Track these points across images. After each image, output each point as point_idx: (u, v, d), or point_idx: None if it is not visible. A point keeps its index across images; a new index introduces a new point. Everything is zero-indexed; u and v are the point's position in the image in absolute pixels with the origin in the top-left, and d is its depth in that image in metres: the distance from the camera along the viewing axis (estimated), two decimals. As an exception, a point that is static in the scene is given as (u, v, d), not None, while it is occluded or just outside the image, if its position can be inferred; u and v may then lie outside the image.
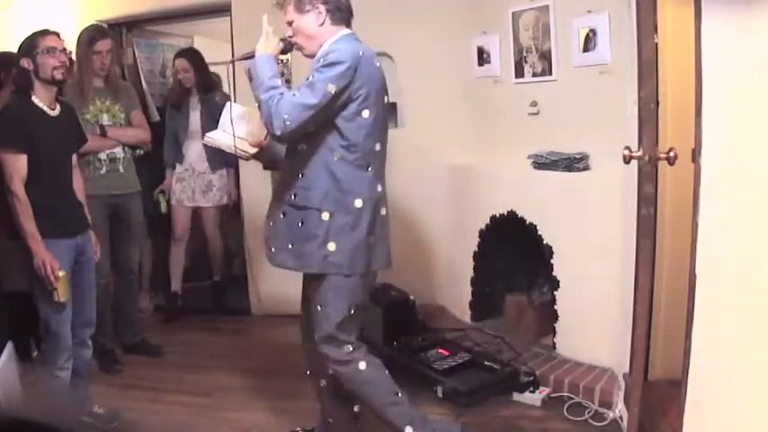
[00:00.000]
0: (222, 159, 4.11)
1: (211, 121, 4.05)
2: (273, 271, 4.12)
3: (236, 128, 2.40)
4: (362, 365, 2.32)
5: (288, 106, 2.12)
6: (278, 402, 2.97)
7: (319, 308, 2.30)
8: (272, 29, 2.29)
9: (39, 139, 2.55)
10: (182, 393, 3.17)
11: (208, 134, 2.51)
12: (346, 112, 2.20)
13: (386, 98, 2.32)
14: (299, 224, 2.28)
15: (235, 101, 2.48)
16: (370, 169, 2.29)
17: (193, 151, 4.18)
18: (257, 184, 4.08)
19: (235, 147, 2.40)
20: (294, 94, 2.14)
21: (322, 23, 2.25)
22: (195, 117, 4.16)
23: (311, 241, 2.25)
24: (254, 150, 2.45)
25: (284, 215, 2.32)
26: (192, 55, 4.23)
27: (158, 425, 2.83)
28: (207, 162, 4.16)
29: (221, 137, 2.46)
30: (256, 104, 2.24)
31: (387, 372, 2.39)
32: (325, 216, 2.24)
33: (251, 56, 2.28)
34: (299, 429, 2.73)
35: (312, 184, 2.26)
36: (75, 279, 2.65)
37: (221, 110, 4.25)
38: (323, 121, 2.19)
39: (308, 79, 2.17)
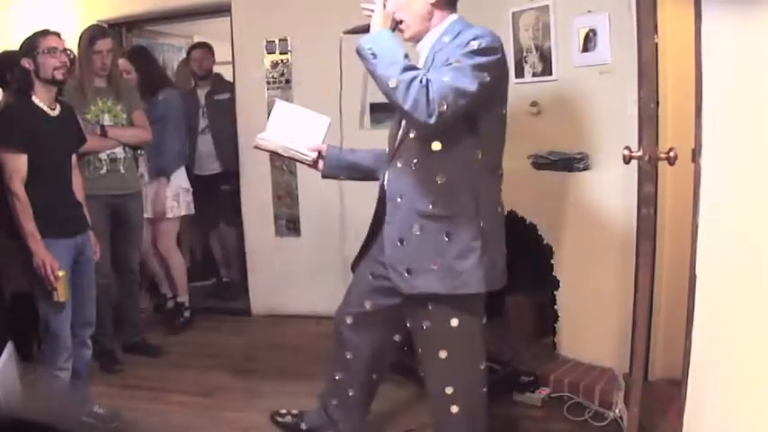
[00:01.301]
0: (158, 168, 3.80)
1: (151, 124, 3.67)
2: (273, 272, 4.10)
3: (290, 129, 2.17)
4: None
5: (441, 90, 1.80)
6: (278, 402, 2.97)
7: (455, 325, 2.06)
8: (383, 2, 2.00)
9: (39, 139, 2.55)
10: (182, 393, 3.17)
11: (259, 135, 2.23)
12: (489, 107, 1.96)
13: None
14: (446, 238, 1.98)
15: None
16: (499, 171, 2.09)
17: (143, 158, 3.80)
18: (258, 186, 4.08)
19: (290, 149, 2.17)
20: (443, 78, 1.83)
21: (436, 3, 2.01)
22: None
23: (468, 256, 1.97)
24: (313, 155, 2.23)
25: (421, 230, 2.01)
26: (133, 54, 3.92)
27: (158, 425, 2.83)
28: (146, 171, 3.82)
29: (275, 138, 2.20)
30: (391, 86, 1.84)
31: None
32: (480, 224, 1.98)
33: (364, 30, 1.99)
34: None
35: (455, 190, 1.98)
36: (74, 279, 2.66)
37: (162, 109, 3.76)
38: (466, 114, 1.90)
39: (449, 64, 1.87)
